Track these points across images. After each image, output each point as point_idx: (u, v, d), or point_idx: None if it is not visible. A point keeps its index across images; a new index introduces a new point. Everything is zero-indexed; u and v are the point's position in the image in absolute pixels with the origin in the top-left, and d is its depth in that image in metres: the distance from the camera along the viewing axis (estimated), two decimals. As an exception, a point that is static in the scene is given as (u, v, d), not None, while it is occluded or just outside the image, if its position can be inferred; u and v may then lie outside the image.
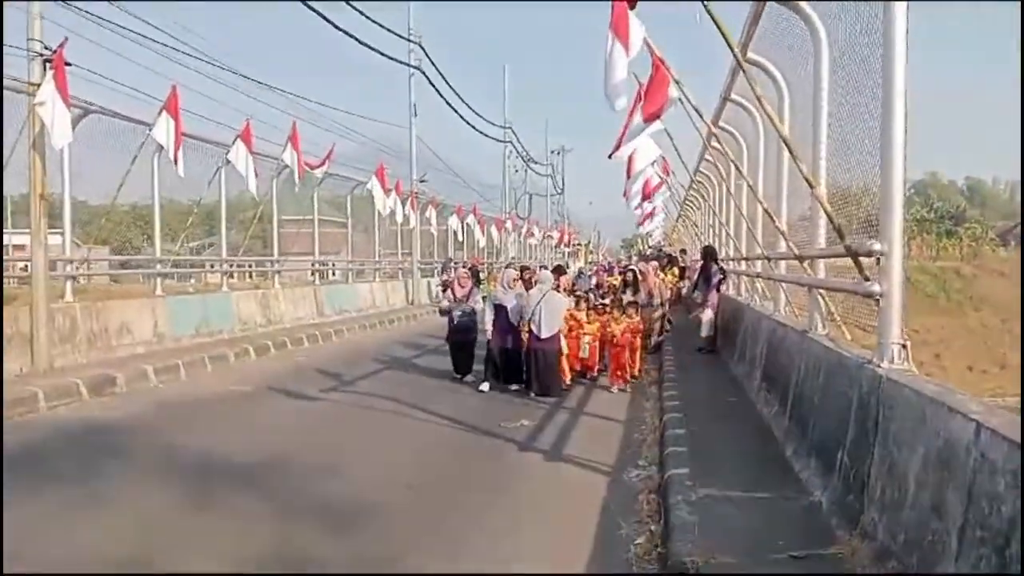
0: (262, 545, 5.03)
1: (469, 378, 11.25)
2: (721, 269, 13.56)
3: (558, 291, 11.06)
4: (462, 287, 11.64)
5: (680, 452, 6.57)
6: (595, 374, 11.46)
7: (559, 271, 13.17)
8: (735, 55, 5.23)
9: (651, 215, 23.55)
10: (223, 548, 4.95)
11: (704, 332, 13.20)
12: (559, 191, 58.50)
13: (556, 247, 55.88)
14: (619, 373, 10.89)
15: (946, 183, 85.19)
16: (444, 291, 11.97)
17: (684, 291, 19.20)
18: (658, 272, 16.43)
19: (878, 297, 4.67)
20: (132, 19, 15.64)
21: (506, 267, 13.94)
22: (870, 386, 4.54)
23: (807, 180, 5.21)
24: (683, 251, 26.86)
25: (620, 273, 17.22)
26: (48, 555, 4.82)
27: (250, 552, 4.90)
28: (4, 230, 29.75)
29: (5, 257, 22.90)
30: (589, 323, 11.32)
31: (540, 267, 14.48)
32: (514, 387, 10.52)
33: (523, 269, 13.33)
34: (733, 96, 10.60)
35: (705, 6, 5.01)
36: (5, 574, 4.39)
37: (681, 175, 17.71)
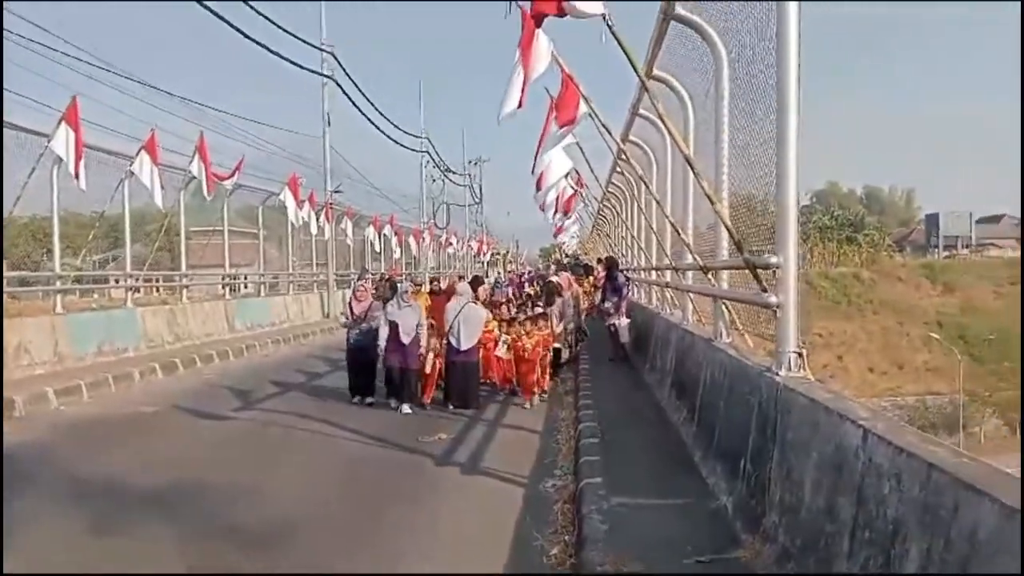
0: (172, 568, 4.89)
1: (370, 399, 10.63)
2: (626, 277, 13.94)
3: (475, 303, 10.98)
4: (359, 302, 10.96)
5: (594, 461, 6.70)
6: (508, 387, 11.27)
7: (476, 282, 13.01)
8: (638, 74, 5.40)
9: (562, 228, 23.86)
10: (131, 567, 4.79)
11: (624, 338, 13.43)
12: (477, 201, 58.70)
13: (475, 257, 55.97)
14: (531, 388, 10.62)
15: (846, 191, 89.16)
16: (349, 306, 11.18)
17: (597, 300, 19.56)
18: (573, 283, 16.63)
19: (775, 308, 4.88)
20: (29, 26, 14.95)
21: (383, 279, 13.82)
22: (769, 393, 4.74)
23: (708, 197, 5.41)
24: (599, 260, 27.32)
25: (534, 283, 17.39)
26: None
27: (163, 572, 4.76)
28: None
29: None
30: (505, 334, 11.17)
31: (459, 278, 14.41)
32: (406, 409, 9.98)
33: (432, 281, 13.49)
34: (641, 111, 10.89)
35: (609, 27, 5.15)
36: (5, 574, 4.37)
37: (594, 187, 18.02)
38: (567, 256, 42.00)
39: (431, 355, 10.40)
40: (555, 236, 32.36)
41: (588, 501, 5.57)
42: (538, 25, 5.91)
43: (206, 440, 8.83)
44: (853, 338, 48.82)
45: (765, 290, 5.12)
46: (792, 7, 4.75)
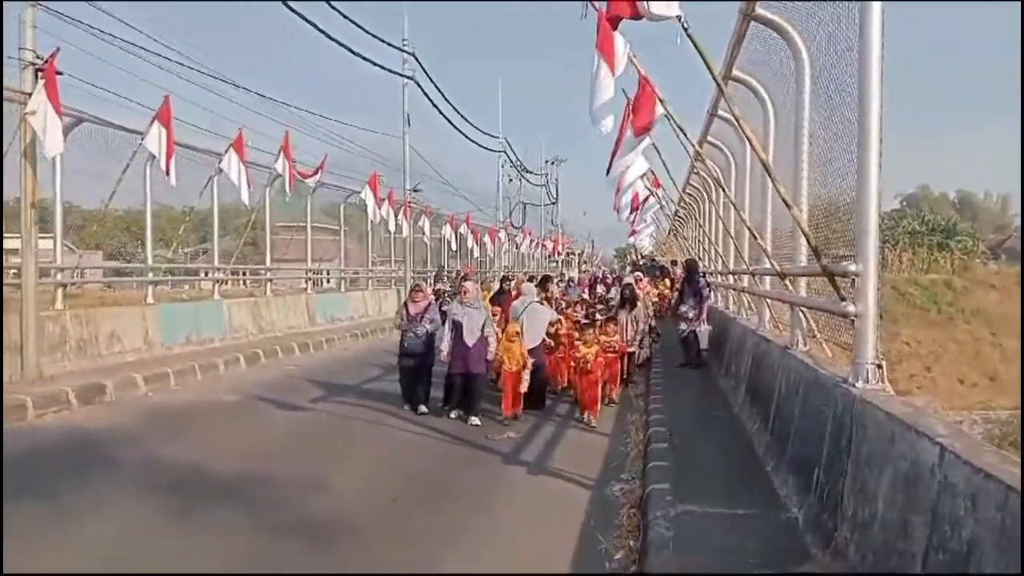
0: (241, 558, 5.07)
1: (424, 409, 9.79)
2: (706, 282, 13.64)
3: (544, 303, 10.87)
4: (416, 303, 10.09)
5: (662, 466, 6.64)
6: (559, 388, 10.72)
7: (545, 282, 12.82)
8: (713, 76, 5.32)
9: (637, 230, 23.63)
10: (201, 561, 4.99)
11: (703, 344, 13.00)
12: (553, 201, 58.65)
13: (549, 257, 55.96)
14: (594, 404, 9.54)
15: (937, 196, 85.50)
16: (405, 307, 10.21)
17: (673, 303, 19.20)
18: (647, 285, 16.45)
19: (853, 317, 4.75)
20: (126, 28, 15.70)
21: (462, 279, 12.85)
22: (844, 405, 4.61)
23: (785, 202, 5.29)
24: (674, 262, 26.97)
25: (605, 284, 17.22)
26: (32, 563, 4.85)
27: (229, 565, 4.94)
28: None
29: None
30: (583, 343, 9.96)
31: (529, 278, 14.24)
32: (474, 420, 9.21)
33: (504, 280, 12.70)
34: (720, 112, 10.71)
35: (684, 28, 5.09)
36: (5, 574, 4.42)
37: (670, 189, 17.79)
38: (643, 257, 41.61)
39: (526, 372, 9.38)
40: (629, 237, 32.15)
41: (654, 507, 5.52)
42: (614, 28, 5.89)
43: (283, 431, 9.11)
44: (942, 348, 46.75)
45: (843, 299, 4.98)
46: (875, 5, 4.61)
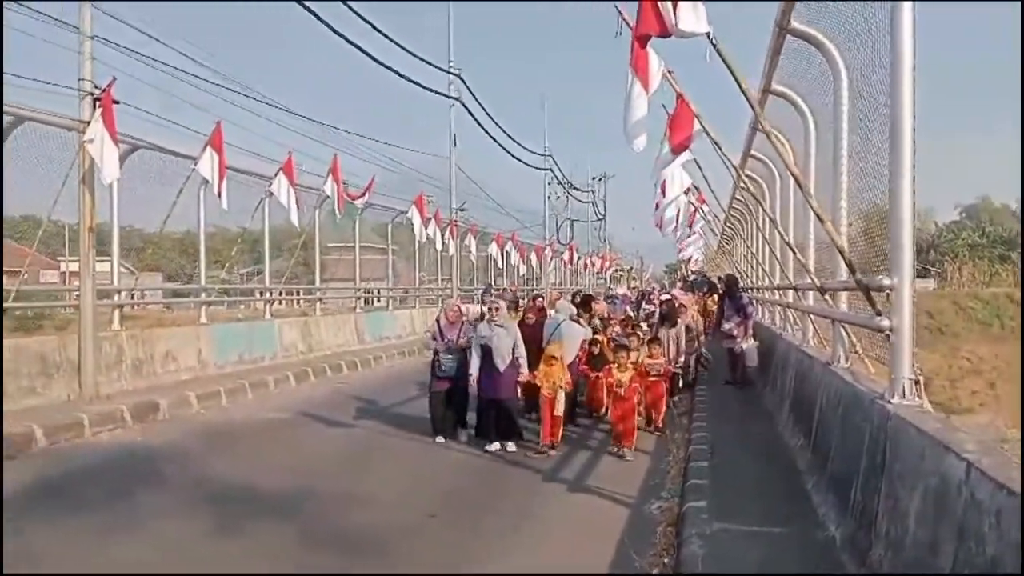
0: (285, 568, 5.20)
1: (463, 436, 9.31)
2: (750, 298, 13.43)
3: (582, 321, 10.60)
4: (451, 323, 9.41)
5: (701, 484, 6.59)
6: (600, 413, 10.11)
7: (588, 302, 12.31)
8: (743, 92, 5.30)
9: (685, 244, 23.49)
10: (246, 568, 5.13)
11: (751, 362, 12.53)
12: (601, 217, 58.53)
13: (598, 273, 55.77)
14: (630, 435, 8.68)
15: (998, 206, 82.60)
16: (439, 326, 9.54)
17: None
18: (689, 301, 16.22)
19: (888, 332, 4.68)
20: (180, 57, 16.29)
21: (483, 294, 12.94)
22: (880, 422, 4.54)
23: (818, 216, 5.25)
24: (720, 278, 26.67)
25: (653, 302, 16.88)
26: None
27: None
28: (61, 257, 30.94)
29: (61, 285, 23.87)
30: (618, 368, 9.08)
31: (572, 297, 13.98)
32: (510, 447, 8.75)
33: (535, 297, 12.16)
34: (763, 124, 10.61)
35: (713, 44, 5.11)
36: (6, 574, 4.49)
37: (713, 204, 17.67)
38: (693, 273, 41.21)
39: (561, 393, 8.79)
40: (678, 253, 31.92)
41: (690, 525, 5.49)
42: (643, 46, 5.93)
43: (329, 447, 9.27)
44: (1007, 364, 45.15)
45: (879, 313, 4.91)
46: (907, 10, 4.57)
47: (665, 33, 5.40)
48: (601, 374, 9.71)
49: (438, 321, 9.54)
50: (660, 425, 9.77)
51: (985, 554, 2.76)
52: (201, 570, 5.19)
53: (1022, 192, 51.20)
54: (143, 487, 7.29)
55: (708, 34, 5.18)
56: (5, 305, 11.06)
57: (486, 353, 8.81)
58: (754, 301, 13.51)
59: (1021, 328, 29.00)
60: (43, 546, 5.53)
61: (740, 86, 5.15)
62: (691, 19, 5.19)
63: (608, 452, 8.72)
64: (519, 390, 9.19)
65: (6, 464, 7.99)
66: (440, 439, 9.19)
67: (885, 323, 4.69)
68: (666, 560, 5.26)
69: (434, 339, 9.41)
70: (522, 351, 8.89)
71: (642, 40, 5.80)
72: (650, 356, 9.84)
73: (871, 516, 4.36)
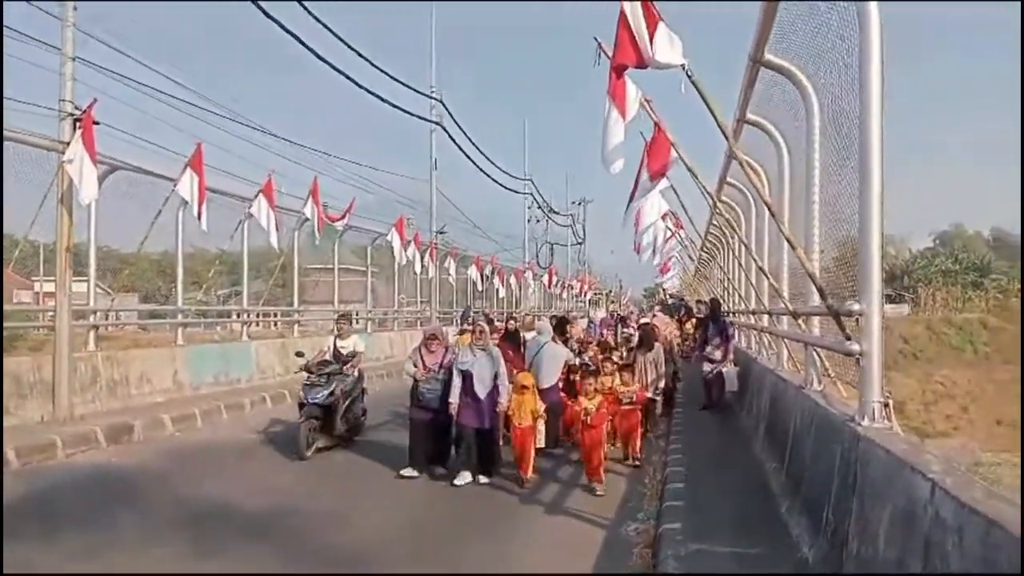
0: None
1: (441, 471, 8.75)
2: (730, 322, 13.55)
3: (560, 342, 10.63)
4: (431, 353, 8.92)
5: (677, 506, 6.65)
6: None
7: (563, 323, 12.38)
8: (717, 123, 5.44)
9: (665, 269, 23.74)
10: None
11: (732, 387, 12.37)
12: (580, 241, 58.89)
13: (576, 297, 55.99)
14: (597, 470, 8.14)
15: (971, 234, 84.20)
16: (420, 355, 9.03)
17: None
18: (670, 324, 16.37)
19: (858, 356, 4.79)
20: (160, 78, 16.32)
21: (462, 316, 12.86)
22: (850, 444, 4.64)
23: (789, 242, 5.38)
24: (699, 302, 26.91)
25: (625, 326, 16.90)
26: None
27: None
28: (36, 277, 30.63)
29: (36, 305, 23.59)
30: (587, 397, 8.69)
31: (551, 318, 13.96)
32: (482, 479, 8.36)
33: (509, 319, 11.77)
34: (739, 154, 10.81)
35: (688, 76, 5.25)
36: (5, 574, 4.47)
37: (690, 230, 17.91)
38: (671, 297, 41.54)
39: (540, 423, 8.67)
40: (657, 277, 32.22)
41: (666, 546, 5.55)
42: (619, 76, 6.07)
43: (306, 469, 9.23)
44: (980, 388, 45.78)
45: (849, 338, 5.03)
46: (875, 35, 4.71)
47: (641, 64, 5.54)
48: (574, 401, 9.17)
49: (419, 351, 9.02)
50: (638, 456, 9.39)
51: (949, 569, 2.84)
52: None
53: (1022, 207, 52.01)
54: (116, 508, 7.24)
55: (683, 66, 5.32)
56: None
57: (467, 379, 8.40)
58: (733, 325, 13.63)
59: (1022, 343, 29.38)
60: (14, 565, 5.46)
61: (715, 117, 5.29)
62: (667, 51, 5.34)
63: (580, 485, 8.21)
64: (501, 419, 8.74)
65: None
66: (411, 472, 8.60)
67: (855, 347, 4.81)
68: (642, 581, 5.31)
69: (415, 366, 8.89)
70: (504, 378, 8.52)
71: (619, 70, 5.94)
72: (623, 384, 9.40)
73: (843, 536, 4.43)
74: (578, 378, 9.83)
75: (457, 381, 8.44)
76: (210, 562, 5.79)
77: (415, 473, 8.59)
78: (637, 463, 9.20)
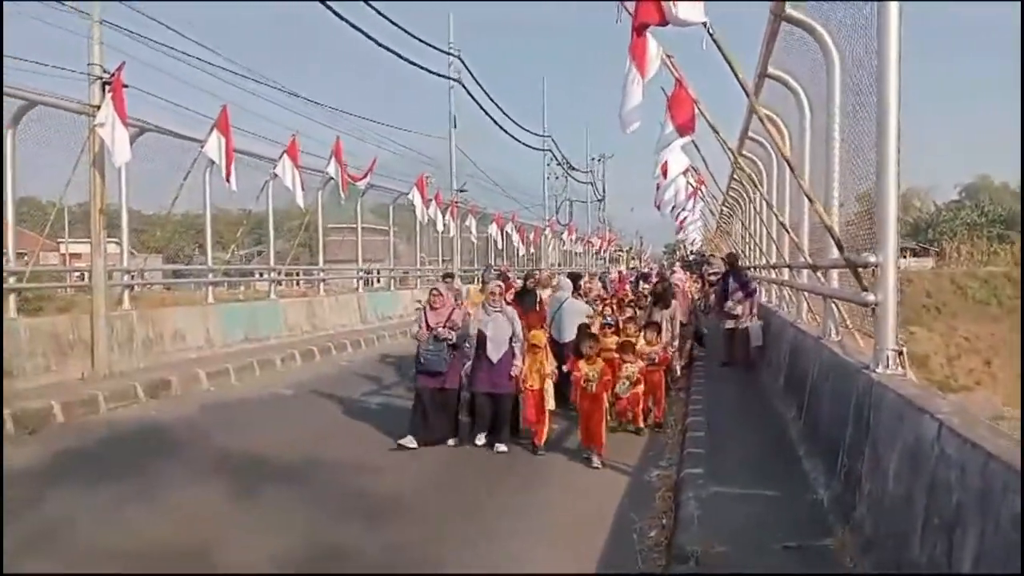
0: (300, 534, 5.52)
1: (452, 440, 8.13)
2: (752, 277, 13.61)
3: (578, 297, 10.65)
4: (435, 310, 8.24)
5: (698, 453, 6.91)
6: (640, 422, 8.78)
7: (576, 278, 12.17)
8: (739, 81, 5.53)
9: (683, 224, 23.74)
10: (263, 536, 5.45)
11: (755, 342, 12.20)
12: (600, 198, 58.71)
13: (597, 254, 56.05)
14: (598, 438, 7.46)
15: (998, 185, 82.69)
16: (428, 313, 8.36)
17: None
18: (689, 280, 16.39)
19: (873, 306, 4.96)
20: (187, 42, 16.45)
21: (483, 274, 11.97)
22: (864, 389, 4.84)
23: (808, 196, 5.51)
24: (710, 258, 26.93)
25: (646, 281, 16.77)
26: (105, 542, 5.35)
27: (289, 540, 5.38)
28: (61, 239, 31.14)
29: (63, 266, 24.10)
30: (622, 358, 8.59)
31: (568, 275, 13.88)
32: (500, 447, 7.85)
33: (527, 277, 11.04)
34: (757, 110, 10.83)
35: (710, 33, 5.35)
36: (5, 574, 4.55)
37: (712, 185, 17.90)
38: (692, 253, 41.47)
39: (549, 383, 7.99)
40: (677, 233, 32.19)
41: (687, 489, 5.81)
42: (640, 34, 6.15)
43: (336, 421, 9.57)
44: (1003, 343, 45.49)
45: (865, 289, 5.20)
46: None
47: (663, 22, 5.63)
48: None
49: (424, 311, 8.39)
50: (660, 419, 8.99)
51: (951, 503, 3.05)
52: (221, 529, 5.52)
53: (1022, 172, 51.58)
54: (160, 458, 7.60)
55: (705, 23, 5.41)
56: (17, 286, 11.33)
57: (480, 341, 8.01)
58: (755, 280, 13.67)
59: (1021, 303, 29.26)
60: (65, 514, 5.84)
61: (736, 74, 5.39)
62: (689, 8, 5.43)
63: (583, 457, 7.55)
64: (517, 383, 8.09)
65: (28, 439, 8.33)
66: (410, 442, 7.91)
67: (870, 298, 4.98)
68: (664, 522, 5.57)
69: (419, 328, 8.28)
70: (520, 338, 8.02)
71: (640, 29, 6.03)
72: (647, 342, 9.22)
73: (856, 477, 4.66)
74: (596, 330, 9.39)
75: (472, 343, 8.04)
76: (250, 506, 6.14)
77: (414, 444, 7.90)
78: (660, 427, 8.87)
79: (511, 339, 7.98)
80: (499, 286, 8.45)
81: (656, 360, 9.07)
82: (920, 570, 3.26)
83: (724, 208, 22.80)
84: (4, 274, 10.75)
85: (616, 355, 8.72)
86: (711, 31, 5.37)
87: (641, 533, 5.45)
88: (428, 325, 8.16)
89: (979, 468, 2.84)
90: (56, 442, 8.17)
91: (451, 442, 8.12)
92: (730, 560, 4.38)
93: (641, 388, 8.67)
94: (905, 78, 4.90)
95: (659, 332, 9.70)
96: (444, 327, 8.11)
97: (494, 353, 7.93)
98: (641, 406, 8.75)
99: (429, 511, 6.09)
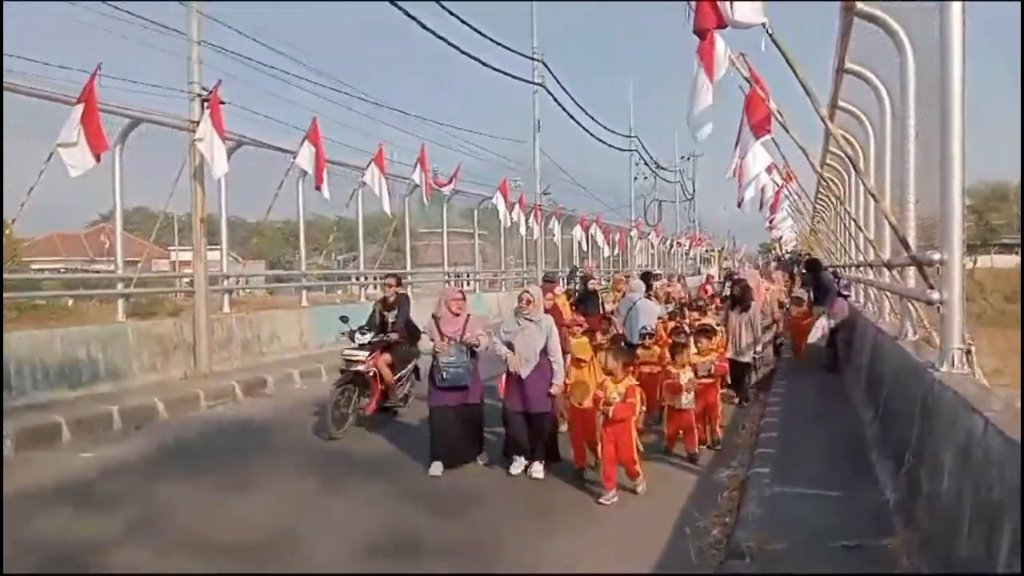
0: (382, 523, 5.85)
1: (475, 467, 7.28)
2: (834, 274, 13.26)
3: (650, 299, 10.59)
4: (454, 317, 7.40)
5: (768, 454, 6.89)
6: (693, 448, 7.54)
7: (648, 277, 12.27)
8: (799, 79, 5.51)
9: (773, 224, 23.27)
10: (350, 524, 5.81)
11: (812, 337, 11.86)
12: (690, 197, 57.95)
13: (686, 254, 55.30)
14: (610, 473, 6.31)
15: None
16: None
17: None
18: (779, 281, 16.05)
19: (938, 304, 4.90)
20: (278, 56, 17.29)
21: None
22: (928, 389, 4.78)
23: (872, 195, 5.47)
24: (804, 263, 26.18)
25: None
26: (207, 527, 5.80)
27: (373, 527, 5.73)
28: (172, 247, 32.96)
29: (173, 272, 25.63)
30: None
31: (625, 277, 13.65)
32: (537, 472, 6.90)
33: (584, 279, 10.37)
34: (840, 103, 10.63)
35: (769, 34, 5.37)
36: (5, 574, 4.68)
37: (803, 180, 17.51)
38: (787, 252, 40.41)
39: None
40: (769, 232, 31.51)
41: (752, 489, 5.83)
42: (702, 39, 6.20)
43: (419, 415, 9.90)
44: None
45: (931, 286, 5.12)
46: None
47: (722, 24, 5.68)
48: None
49: (435, 318, 7.46)
50: (718, 436, 8.10)
51: (992, 498, 3.06)
52: (313, 519, 5.89)
53: (1022, 171, 48.39)
54: (254, 452, 8.12)
55: (764, 24, 5.44)
56: (123, 292, 12.16)
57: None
58: (839, 279, 13.31)
59: (1022, 303, 27.41)
60: (171, 502, 6.35)
61: (797, 75, 5.40)
62: (747, 10, 5.46)
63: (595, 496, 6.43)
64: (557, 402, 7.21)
65: (135, 433, 8.99)
66: (437, 469, 7.10)
67: (935, 296, 4.91)
68: (727, 519, 5.61)
69: (431, 339, 7.40)
70: (557, 353, 6.97)
71: (701, 34, 6.08)
72: (699, 352, 8.10)
73: (917, 477, 4.62)
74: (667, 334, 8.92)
75: (503, 352, 6.97)
76: (340, 495, 6.55)
77: (439, 471, 7.09)
78: (718, 446, 7.95)
79: (543, 352, 6.92)
80: (528, 293, 7.19)
81: (711, 371, 7.99)
82: (965, 567, 3.26)
83: (817, 203, 22.25)
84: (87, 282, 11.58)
85: (659, 368, 8.07)
86: (770, 31, 5.39)
87: (704, 531, 5.52)
88: (442, 334, 7.28)
89: (1016, 464, 2.85)
90: (160, 436, 8.81)
91: (480, 461, 7.34)
92: (785, 557, 4.42)
93: (691, 401, 7.49)
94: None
95: (727, 336, 9.39)
96: (463, 337, 7.26)
97: (525, 367, 6.88)
98: (695, 430, 7.54)
99: (507, 504, 6.32)
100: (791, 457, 6.74)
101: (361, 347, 9.09)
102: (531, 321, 6.97)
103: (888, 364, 7.01)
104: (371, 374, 9.05)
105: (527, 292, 7.17)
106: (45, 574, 4.84)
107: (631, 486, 6.45)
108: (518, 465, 7.00)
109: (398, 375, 9.47)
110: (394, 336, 9.41)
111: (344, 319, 9.64)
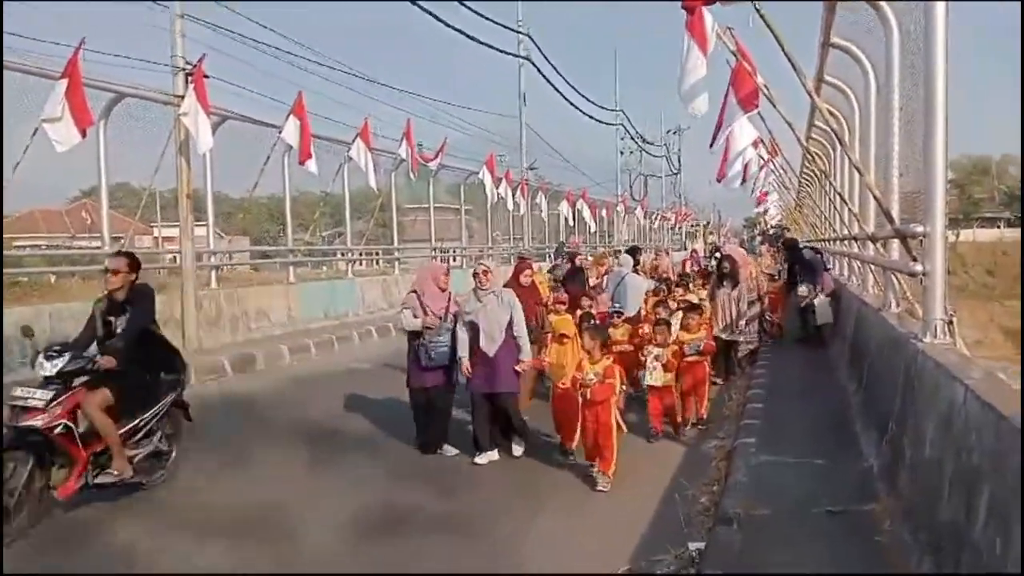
0: (372, 497, 5.93)
1: (451, 451, 6.98)
2: (814, 250, 13.39)
3: (638, 273, 10.66)
4: (441, 292, 7.07)
5: (753, 424, 7.03)
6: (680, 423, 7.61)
7: (635, 252, 12.30)
8: (786, 54, 5.56)
9: (762, 198, 23.39)
10: (338, 499, 5.89)
11: (824, 319, 11.71)
12: (675, 172, 58.02)
13: (672, 229, 55.46)
14: (606, 454, 6.02)
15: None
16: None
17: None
18: (764, 255, 16.21)
19: (921, 276, 5.00)
20: (261, 30, 17.11)
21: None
22: (911, 359, 4.90)
23: (857, 169, 5.55)
24: (783, 242, 26.38)
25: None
26: (204, 499, 5.88)
27: (362, 502, 5.81)
28: (154, 223, 32.68)
29: (157, 249, 25.45)
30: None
31: (614, 253, 13.84)
32: (516, 450, 6.86)
33: (521, 259, 9.70)
34: (827, 77, 10.68)
35: (757, 10, 5.41)
36: (5, 574, 4.58)
37: (789, 153, 17.58)
38: (772, 227, 40.65)
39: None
40: (756, 207, 31.67)
41: (739, 458, 5.96)
42: (691, 13, 6.22)
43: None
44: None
45: (914, 259, 5.23)
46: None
47: (710, 0, 5.71)
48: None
49: (417, 295, 7.05)
50: (703, 416, 7.90)
51: (972, 463, 3.17)
52: (305, 494, 5.98)
53: (1022, 170, 49.10)
54: (248, 427, 8.20)
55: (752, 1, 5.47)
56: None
57: (474, 332, 6.69)
58: (820, 254, 13.43)
59: (1021, 293, 27.93)
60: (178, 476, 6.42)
61: (784, 51, 5.44)
62: (735, -15, 5.49)
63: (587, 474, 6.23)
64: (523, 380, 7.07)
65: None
66: (427, 449, 7.04)
67: (918, 268, 5.02)
68: (715, 488, 5.74)
69: (415, 316, 6.95)
70: (521, 327, 6.70)
71: (690, 9, 6.11)
72: (686, 328, 8.04)
73: (900, 445, 4.75)
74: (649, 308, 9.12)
75: (464, 334, 6.72)
76: (332, 471, 6.64)
77: (453, 452, 6.97)
78: (703, 425, 7.81)
79: (509, 327, 6.64)
80: (482, 264, 7.00)
81: (700, 349, 7.89)
82: (945, 530, 3.38)
83: (803, 177, 22.37)
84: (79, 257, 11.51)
85: (631, 347, 8.02)
86: (757, 6, 5.43)
87: (693, 499, 5.64)
88: (426, 313, 6.90)
89: (993, 430, 2.95)
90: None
91: (449, 451, 6.99)
92: (770, 523, 4.55)
93: (671, 379, 7.40)
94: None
95: (716, 313, 9.53)
96: (446, 316, 6.93)
97: (489, 346, 6.58)
98: (680, 406, 7.60)
99: (500, 476, 6.42)
100: (777, 428, 6.88)
101: (47, 382, 5.39)
102: (492, 295, 6.68)
103: (872, 335, 7.15)
104: (59, 430, 5.29)
105: (482, 264, 6.95)
106: (45, 574, 4.80)
107: (595, 477, 6.01)
108: (484, 457, 6.70)
109: (128, 425, 5.80)
110: (106, 362, 5.58)
111: (27, 331, 6.00)
